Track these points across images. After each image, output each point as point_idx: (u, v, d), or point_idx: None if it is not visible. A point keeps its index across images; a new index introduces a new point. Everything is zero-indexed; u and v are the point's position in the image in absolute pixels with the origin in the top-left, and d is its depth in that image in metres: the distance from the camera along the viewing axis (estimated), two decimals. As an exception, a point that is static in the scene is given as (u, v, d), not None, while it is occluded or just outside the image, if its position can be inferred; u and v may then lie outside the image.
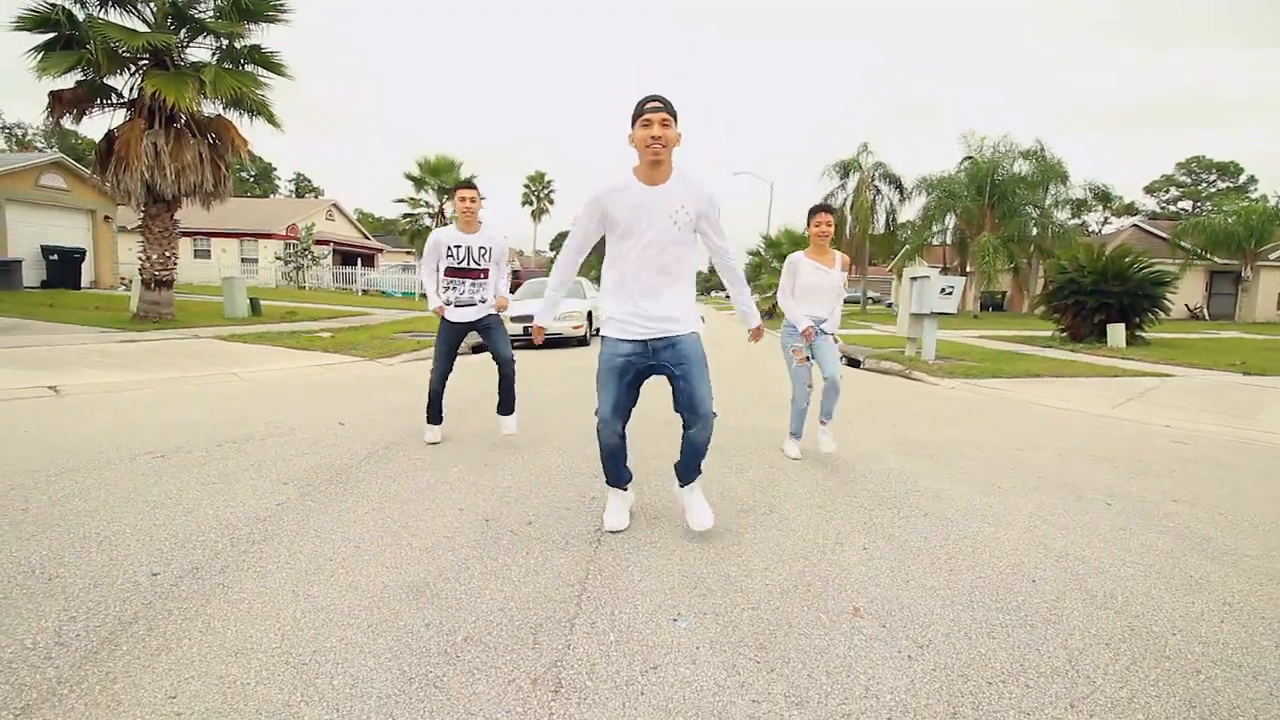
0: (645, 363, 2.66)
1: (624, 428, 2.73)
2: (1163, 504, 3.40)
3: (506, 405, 4.31)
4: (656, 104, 2.43)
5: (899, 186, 30.25)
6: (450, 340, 4.16)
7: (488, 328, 4.22)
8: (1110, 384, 7.88)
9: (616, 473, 2.81)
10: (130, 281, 15.54)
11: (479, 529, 2.76)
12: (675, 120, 2.47)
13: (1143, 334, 12.74)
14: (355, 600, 2.11)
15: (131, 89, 10.12)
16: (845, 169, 30.36)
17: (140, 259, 10.47)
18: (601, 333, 2.79)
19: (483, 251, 4.08)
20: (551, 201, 52.32)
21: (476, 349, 4.26)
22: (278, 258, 29.96)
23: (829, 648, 1.91)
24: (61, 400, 5.29)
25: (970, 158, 27.57)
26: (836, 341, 4.18)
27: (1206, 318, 26.97)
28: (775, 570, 2.43)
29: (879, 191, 30.55)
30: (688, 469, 2.80)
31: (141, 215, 10.40)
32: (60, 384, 5.71)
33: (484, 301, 4.17)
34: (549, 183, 52.18)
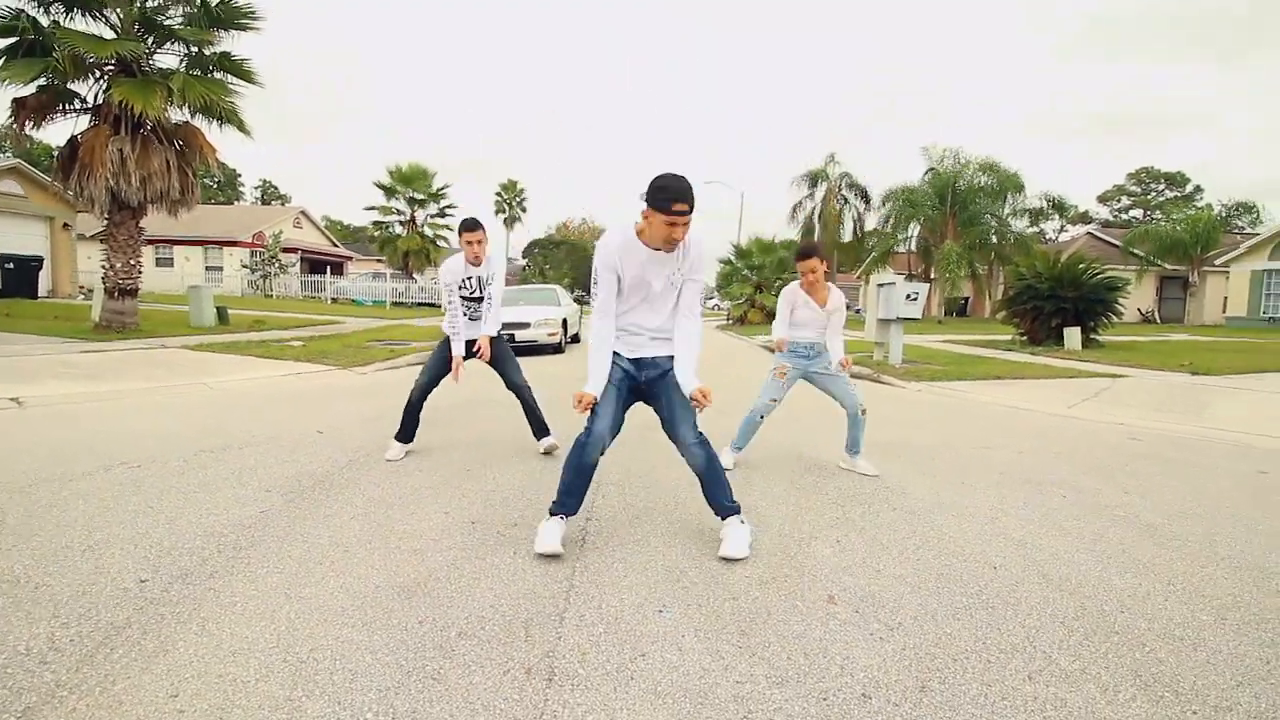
0: (634, 383, 2.70)
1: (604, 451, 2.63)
2: (1115, 496, 3.60)
3: (539, 429, 4.31)
4: (685, 207, 2.38)
5: (865, 196, 31.04)
6: (447, 358, 4.11)
7: (499, 359, 4.24)
8: (1068, 385, 8.21)
9: (574, 497, 2.65)
10: (90, 290, 15.10)
11: (466, 531, 2.82)
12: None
13: (1097, 337, 13.26)
14: (348, 600, 2.16)
15: (96, 95, 9.90)
16: (814, 178, 31.05)
17: (103, 267, 10.21)
18: None
19: (484, 280, 4.21)
20: (524, 209, 52.10)
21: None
22: (244, 266, 29.36)
23: (806, 632, 2.02)
24: (25, 412, 5.17)
25: (933, 169, 28.36)
26: (846, 369, 3.99)
27: (1158, 321, 28.10)
28: (754, 563, 2.54)
29: (846, 201, 31.28)
30: (712, 501, 2.71)
31: (105, 222, 10.16)
32: (23, 395, 5.58)
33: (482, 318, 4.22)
34: (521, 191, 51.92)
